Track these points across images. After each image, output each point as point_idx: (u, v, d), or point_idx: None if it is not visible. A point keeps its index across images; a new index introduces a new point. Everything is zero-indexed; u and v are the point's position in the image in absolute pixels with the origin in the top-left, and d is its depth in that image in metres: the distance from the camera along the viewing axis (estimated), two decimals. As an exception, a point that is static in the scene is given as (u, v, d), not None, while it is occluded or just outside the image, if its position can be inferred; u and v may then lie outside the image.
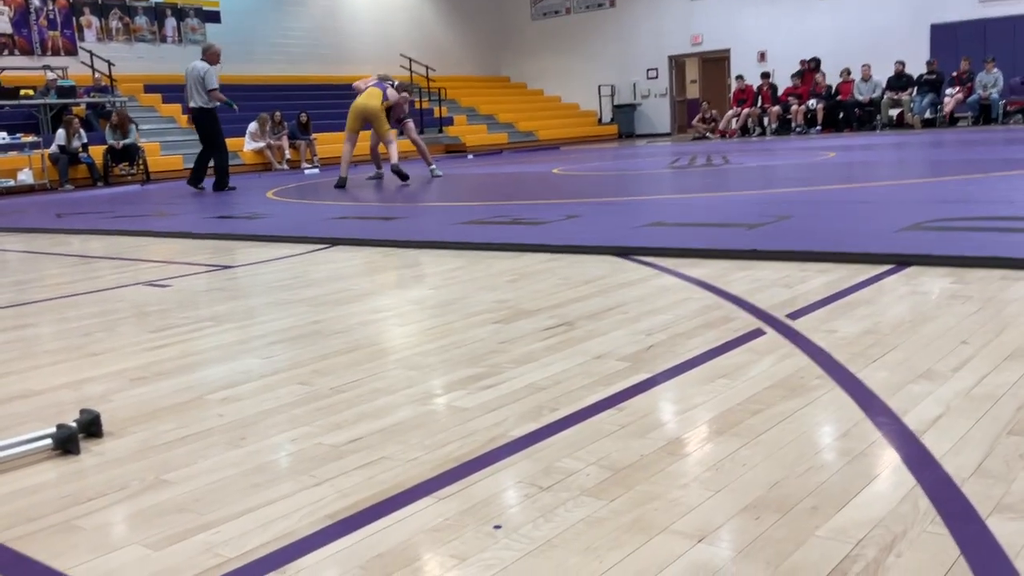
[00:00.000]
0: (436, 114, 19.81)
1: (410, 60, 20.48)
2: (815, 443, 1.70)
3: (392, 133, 10.01)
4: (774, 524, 1.37)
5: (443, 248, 4.66)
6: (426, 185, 9.52)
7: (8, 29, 16.08)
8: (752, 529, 1.36)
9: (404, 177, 9.75)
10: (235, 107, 10.87)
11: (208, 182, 11.10)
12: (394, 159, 9.82)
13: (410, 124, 10.79)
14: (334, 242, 5.18)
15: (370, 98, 9.92)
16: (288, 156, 16.26)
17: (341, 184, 9.91)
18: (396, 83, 10.43)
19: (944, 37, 18.22)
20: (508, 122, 21.48)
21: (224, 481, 1.69)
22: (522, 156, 16.13)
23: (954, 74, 16.77)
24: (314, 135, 16.57)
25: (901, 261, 3.41)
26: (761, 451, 1.67)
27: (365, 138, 10.74)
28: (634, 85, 23.00)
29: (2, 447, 1.85)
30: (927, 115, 16.84)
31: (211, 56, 10.64)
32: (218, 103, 10.59)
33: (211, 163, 10.94)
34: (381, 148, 10.76)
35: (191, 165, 11.66)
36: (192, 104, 10.64)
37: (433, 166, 10.82)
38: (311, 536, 1.43)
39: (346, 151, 10.24)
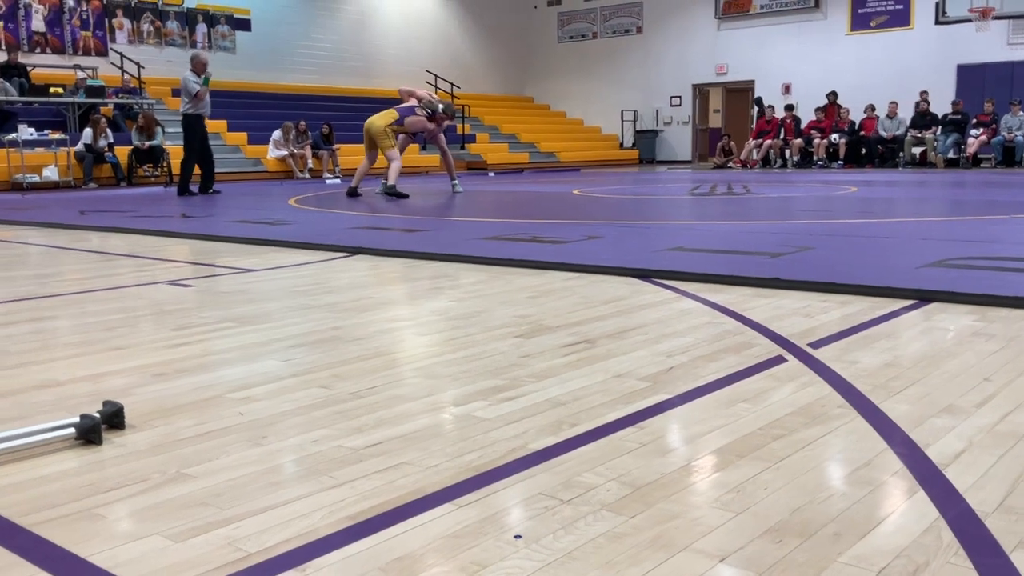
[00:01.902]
0: (459, 131, 19.91)
1: (435, 76, 20.62)
2: (837, 471, 1.70)
3: (394, 151, 10.00)
4: (796, 548, 1.37)
5: (464, 262, 4.68)
6: (448, 200, 9.56)
7: (42, 27, 16.30)
8: (774, 552, 1.35)
9: (400, 196, 9.74)
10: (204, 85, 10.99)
11: (219, 185, 11.67)
12: (390, 180, 9.86)
13: (441, 137, 10.82)
14: (355, 251, 5.20)
15: (379, 117, 10.01)
16: (310, 165, 16.36)
17: (351, 193, 10.15)
18: (441, 107, 10.33)
19: (970, 77, 18.21)
20: (530, 142, 21.57)
21: (244, 478, 1.69)
22: (543, 176, 16.19)
23: (974, 120, 16.76)
24: (336, 146, 16.68)
25: (923, 297, 3.40)
26: (783, 476, 1.66)
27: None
28: (657, 111, 23.07)
29: (26, 434, 1.86)
30: (950, 155, 16.81)
31: (196, 65, 11.01)
32: (202, 111, 10.99)
33: (201, 167, 11.39)
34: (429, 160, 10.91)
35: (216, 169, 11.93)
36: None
37: (455, 181, 10.87)
38: (331, 536, 1.43)
39: (362, 165, 10.43)
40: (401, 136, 10.48)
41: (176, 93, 16.94)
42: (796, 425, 1.95)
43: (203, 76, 10.90)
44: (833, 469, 1.71)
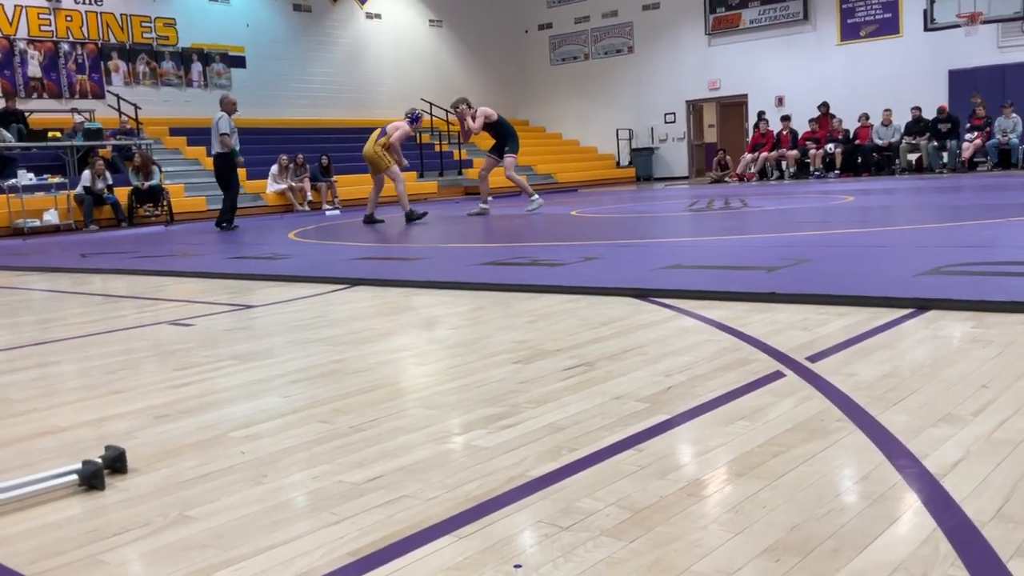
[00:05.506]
0: (456, 156, 20.00)
1: (430, 104, 20.73)
2: (836, 486, 1.70)
3: (395, 169, 10.35)
4: (795, 566, 1.37)
5: (462, 289, 4.69)
6: (445, 226, 9.60)
7: (38, 73, 16.44)
8: (773, 571, 1.36)
9: (415, 217, 10.08)
10: (239, 158, 11.47)
11: (237, 221, 11.93)
12: (404, 207, 10.18)
13: (488, 162, 11.03)
14: (355, 282, 5.22)
15: (368, 143, 10.49)
16: (309, 198, 16.43)
17: (368, 220, 10.52)
18: (411, 114, 10.76)
19: (962, 82, 18.28)
20: (527, 165, 21.61)
21: (246, 518, 1.70)
22: (541, 199, 16.19)
23: (967, 124, 16.82)
24: (335, 177, 16.76)
25: (921, 305, 3.41)
26: (782, 493, 1.67)
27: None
28: (652, 129, 23.17)
29: (29, 482, 1.88)
30: (945, 160, 16.84)
31: (226, 105, 11.32)
32: (231, 148, 11.22)
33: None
34: (492, 179, 11.17)
35: (216, 206, 12.15)
36: (212, 150, 11.48)
37: (485, 205, 11.03)
38: (332, 573, 1.44)
39: (371, 193, 10.91)
40: (488, 160, 11.04)
41: (174, 132, 17.11)
42: (795, 441, 1.96)
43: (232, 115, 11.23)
44: (831, 484, 1.71)
